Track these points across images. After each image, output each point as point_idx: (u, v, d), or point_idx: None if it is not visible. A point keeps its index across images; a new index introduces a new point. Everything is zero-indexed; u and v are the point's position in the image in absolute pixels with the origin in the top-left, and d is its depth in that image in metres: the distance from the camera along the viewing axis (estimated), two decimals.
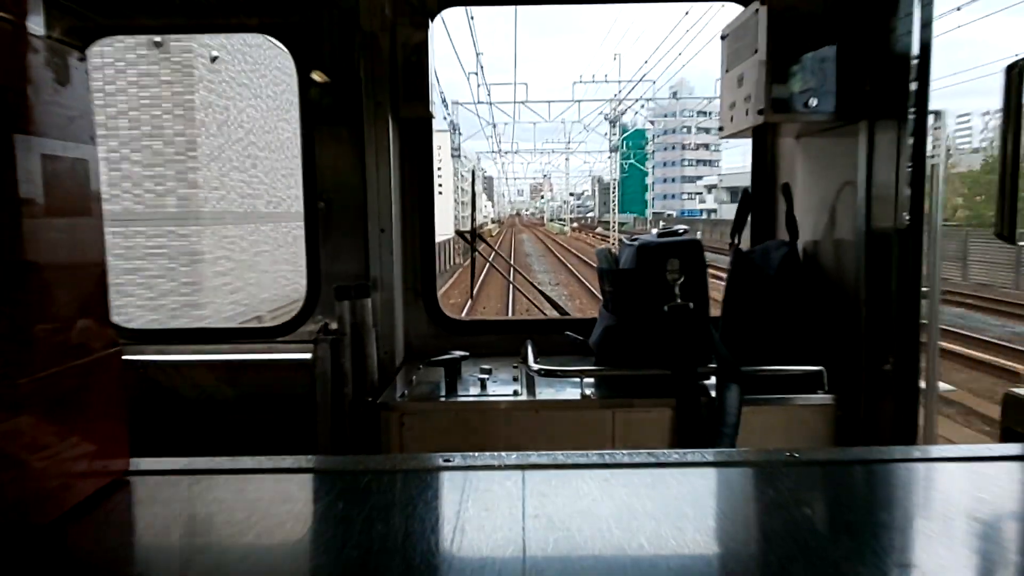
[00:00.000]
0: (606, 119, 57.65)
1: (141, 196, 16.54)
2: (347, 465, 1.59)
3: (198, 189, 16.74)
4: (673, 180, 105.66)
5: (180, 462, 1.58)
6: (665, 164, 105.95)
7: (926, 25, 2.40)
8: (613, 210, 58.68)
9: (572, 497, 1.39)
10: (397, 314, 3.30)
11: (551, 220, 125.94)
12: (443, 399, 2.83)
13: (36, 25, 1.33)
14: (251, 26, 3.35)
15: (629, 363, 2.92)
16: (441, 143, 48.68)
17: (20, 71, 1.29)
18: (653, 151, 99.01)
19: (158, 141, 16.41)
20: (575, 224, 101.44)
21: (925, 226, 2.47)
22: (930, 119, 2.43)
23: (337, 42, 3.19)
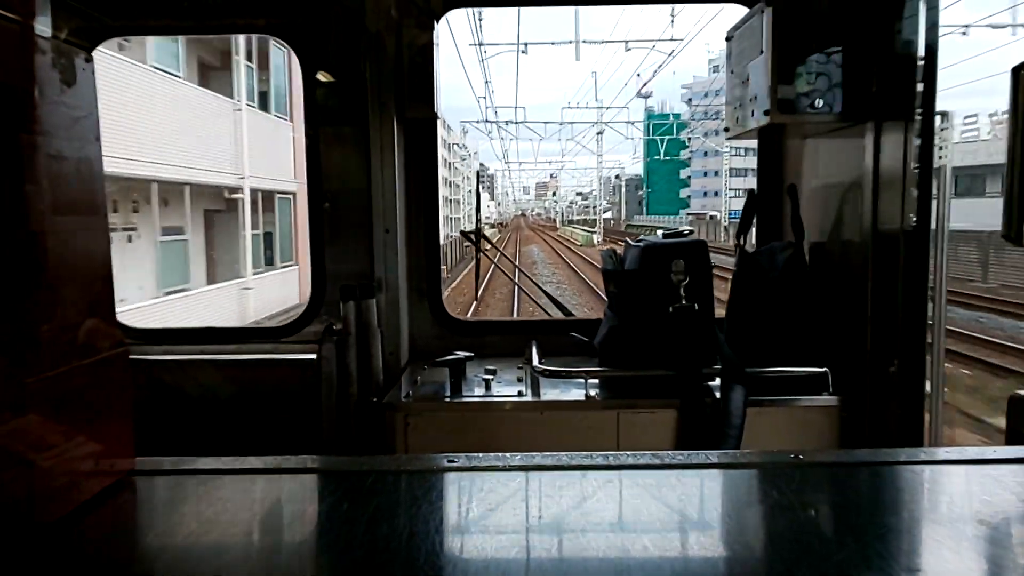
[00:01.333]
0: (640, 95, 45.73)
1: None
2: (352, 465, 1.59)
3: None
4: (716, 173, 79.08)
5: (185, 462, 1.59)
6: (706, 154, 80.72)
7: (932, 26, 2.39)
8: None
9: (576, 498, 1.39)
10: (402, 314, 3.30)
11: (567, 223, 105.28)
12: (448, 399, 2.83)
13: (43, 26, 1.33)
14: (257, 27, 3.36)
15: (633, 364, 2.91)
16: None
17: (27, 72, 1.30)
18: (690, 138, 76.39)
19: None
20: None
21: (932, 227, 2.46)
22: (937, 120, 2.43)
23: (343, 43, 3.20)
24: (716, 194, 77.65)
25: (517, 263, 5.17)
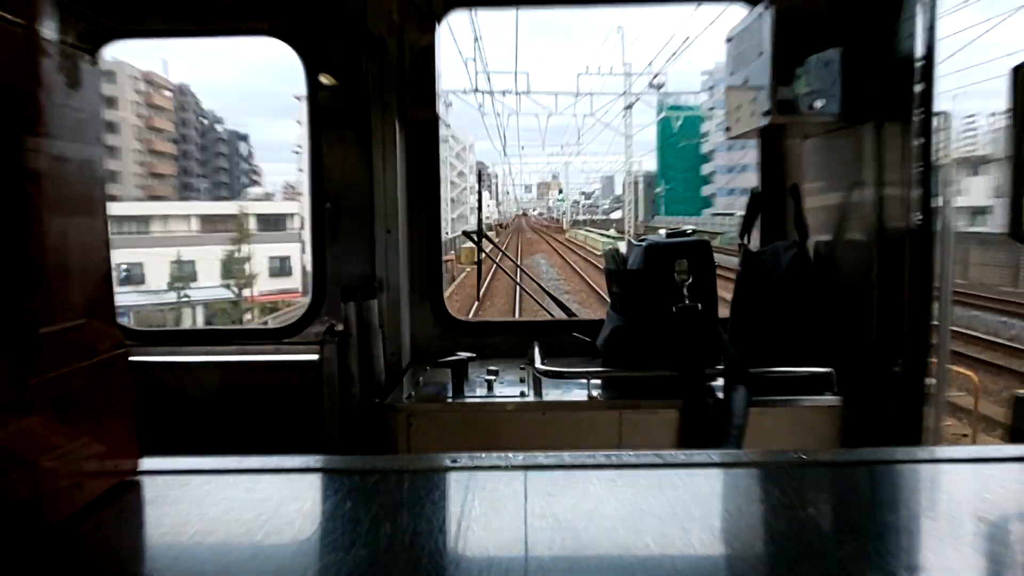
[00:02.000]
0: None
1: None
2: (355, 465, 1.60)
3: None
4: (743, 169, 63.75)
5: (188, 462, 1.59)
6: (731, 148, 66.10)
7: (930, 27, 2.40)
8: None
9: (578, 498, 1.39)
10: (403, 315, 3.30)
11: (578, 225, 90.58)
12: (450, 400, 2.84)
13: (48, 29, 1.34)
14: (260, 29, 3.37)
15: (636, 364, 2.91)
16: None
17: (31, 74, 1.31)
18: (710, 130, 68.05)
19: None
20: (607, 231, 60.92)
21: (936, 227, 2.46)
22: (936, 120, 2.43)
23: (345, 45, 3.21)
24: (743, 192, 65.76)
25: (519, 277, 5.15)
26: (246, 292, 38.79)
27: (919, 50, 2.41)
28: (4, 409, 1.21)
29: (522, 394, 2.85)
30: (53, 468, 1.31)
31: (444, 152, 3.62)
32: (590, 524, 1.26)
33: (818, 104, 2.73)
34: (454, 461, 1.55)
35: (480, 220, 3.99)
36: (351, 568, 1.16)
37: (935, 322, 2.52)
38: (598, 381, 2.93)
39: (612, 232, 54.29)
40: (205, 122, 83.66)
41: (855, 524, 1.28)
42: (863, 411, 2.71)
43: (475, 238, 3.84)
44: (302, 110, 3.48)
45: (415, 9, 3.19)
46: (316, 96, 3.28)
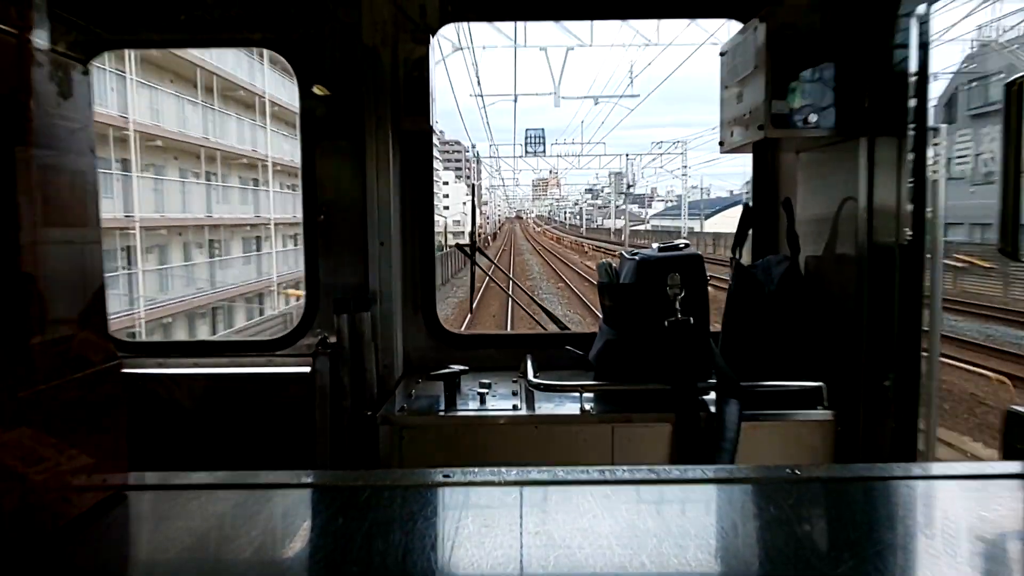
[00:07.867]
0: None
1: None
2: (347, 480, 1.58)
3: None
4: None
5: (178, 476, 1.57)
6: None
7: (924, 42, 2.42)
8: None
9: (572, 514, 1.38)
10: (396, 327, 3.29)
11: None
12: (442, 413, 2.82)
13: (40, 39, 1.34)
14: (254, 40, 3.37)
15: (629, 378, 2.91)
16: None
17: (23, 84, 1.30)
18: None
19: None
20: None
21: (927, 241, 2.47)
22: (929, 135, 2.45)
23: (339, 57, 3.21)
24: None
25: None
26: None
27: (913, 65, 2.44)
28: None
29: (515, 407, 2.84)
30: (42, 481, 1.29)
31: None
32: (585, 542, 1.25)
33: (812, 118, 2.74)
34: (447, 476, 1.54)
35: (473, 232, 3.99)
36: None
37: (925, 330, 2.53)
38: (591, 394, 2.92)
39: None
40: None
41: (852, 542, 1.27)
42: (855, 425, 2.71)
43: (467, 251, 3.83)
44: None
45: (410, 21, 3.19)
46: (310, 107, 3.28)
